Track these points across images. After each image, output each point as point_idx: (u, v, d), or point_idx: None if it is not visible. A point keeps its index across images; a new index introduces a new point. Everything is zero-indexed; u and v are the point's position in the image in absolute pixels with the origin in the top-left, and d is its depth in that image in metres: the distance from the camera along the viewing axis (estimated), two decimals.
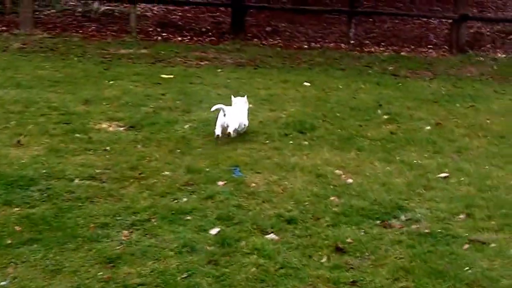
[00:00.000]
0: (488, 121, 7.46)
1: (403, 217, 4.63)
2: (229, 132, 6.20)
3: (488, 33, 14.34)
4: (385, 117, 7.52)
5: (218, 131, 6.17)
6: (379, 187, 5.22)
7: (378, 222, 4.56)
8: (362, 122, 7.24)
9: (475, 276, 3.83)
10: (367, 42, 13.55)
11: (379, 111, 7.76)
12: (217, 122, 6.20)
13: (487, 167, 5.81)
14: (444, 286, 3.72)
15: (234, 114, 6.27)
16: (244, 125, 6.44)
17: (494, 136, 6.83)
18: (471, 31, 13.95)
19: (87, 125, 6.58)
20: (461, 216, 4.69)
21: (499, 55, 12.65)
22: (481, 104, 8.41)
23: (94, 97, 7.70)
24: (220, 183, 5.16)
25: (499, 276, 3.85)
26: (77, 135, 6.25)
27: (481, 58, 12.16)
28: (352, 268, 3.90)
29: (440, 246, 4.20)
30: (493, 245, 4.24)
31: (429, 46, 13.37)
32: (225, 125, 6.18)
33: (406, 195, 5.05)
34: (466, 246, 4.21)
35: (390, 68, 11.07)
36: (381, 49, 12.99)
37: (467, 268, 3.92)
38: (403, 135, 6.76)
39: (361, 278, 3.78)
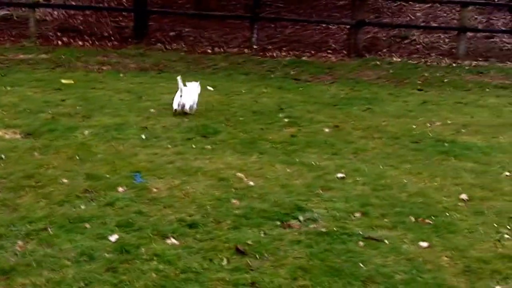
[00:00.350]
0: (383, 123, 7.74)
1: (302, 218, 4.73)
2: (186, 109, 7.53)
3: (384, 38, 14.86)
4: (287, 120, 7.67)
5: (175, 106, 7.56)
6: (279, 189, 5.32)
7: (278, 223, 4.64)
8: (264, 126, 7.35)
9: (370, 272, 3.96)
10: (270, 47, 13.75)
11: (280, 115, 7.91)
12: (174, 100, 7.59)
13: (382, 167, 6.02)
14: (340, 283, 3.82)
15: (189, 95, 7.57)
16: (195, 105, 7.72)
17: (389, 137, 7.09)
18: (368, 36, 14.42)
19: None
20: (357, 215, 4.84)
21: (395, 59, 13.14)
22: (377, 106, 8.72)
23: None
24: (121, 189, 5.11)
25: (392, 272, 3.99)
26: None
27: (378, 62, 12.59)
28: (252, 269, 3.95)
29: (336, 244, 4.32)
30: (387, 242, 4.40)
31: (328, 51, 13.72)
32: (181, 104, 7.52)
33: (305, 196, 5.16)
34: (362, 243, 4.35)
35: (292, 72, 11.29)
36: (283, 54, 13.21)
37: (362, 265, 4.05)
38: (303, 138, 6.92)
39: (261, 279, 3.83)
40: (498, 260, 4.16)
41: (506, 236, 4.54)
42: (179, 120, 7.34)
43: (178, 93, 7.50)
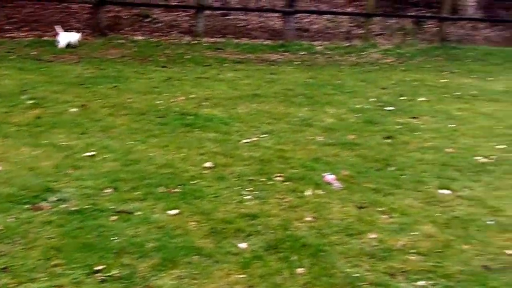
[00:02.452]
0: (129, 100, 7.89)
1: (52, 198, 4.71)
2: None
3: (126, 17, 14.94)
4: (30, 102, 7.46)
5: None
6: (27, 172, 5.21)
7: (27, 206, 4.57)
8: (7, 109, 7.08)
9: (122, 244, 4.09)
10: (8, 27, 13.09)
11: (23, 97, 7.66)
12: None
13: (130, 142, 6.17)
14: (94, 258, 3.90)
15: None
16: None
17: (135, 114, 7.26)
18: (111, 15, 14.38)
19: None
20: (108, 190, 4.94)
21: (138, 37, 13.31)
22: (123, 84, 8.83)
23: None
24: None
25: (144, 241, 4.17)
26: None
27: (122, 41, 12.66)
28: (3, 255, 3.87)
29: (88, 221, 4.38)
30: (138, 213, 4.56)
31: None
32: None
33: (55, 177, 5.13)
34: (113, 218, 4.47)
35: (33, 52, 10.91)
36: (22, 34, 12.67)
37: (115, 238, 4.17)
38: (49, 119, 6.80)
39: (13, 263, 3.77)
40: (241, 219, 4.55)
41: (247, 197, 4.97)
42: None
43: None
